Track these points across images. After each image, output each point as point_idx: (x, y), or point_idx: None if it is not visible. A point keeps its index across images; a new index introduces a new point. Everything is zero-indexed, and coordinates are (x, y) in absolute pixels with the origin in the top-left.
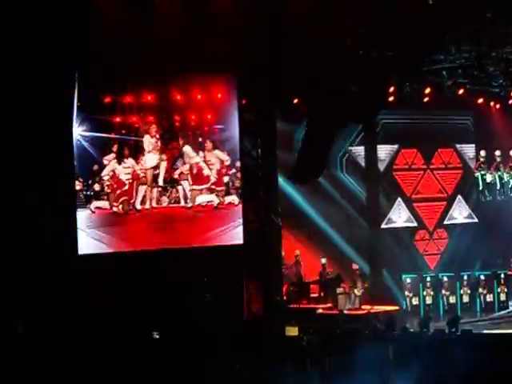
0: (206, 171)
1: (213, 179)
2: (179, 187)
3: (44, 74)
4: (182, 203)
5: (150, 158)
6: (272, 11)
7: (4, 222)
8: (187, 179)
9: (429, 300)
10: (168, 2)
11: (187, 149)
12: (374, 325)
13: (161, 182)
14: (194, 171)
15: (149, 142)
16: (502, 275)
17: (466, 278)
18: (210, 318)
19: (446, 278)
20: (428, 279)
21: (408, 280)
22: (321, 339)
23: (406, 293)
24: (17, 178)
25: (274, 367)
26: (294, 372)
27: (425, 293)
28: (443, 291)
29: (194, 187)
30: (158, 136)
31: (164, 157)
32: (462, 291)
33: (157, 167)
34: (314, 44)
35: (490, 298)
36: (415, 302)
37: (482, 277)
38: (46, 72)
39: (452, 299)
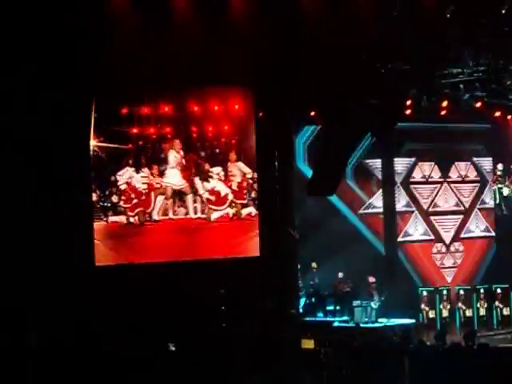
0: (223, 191)
1: (231, 197)
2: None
3: (62, 85)
4: (198, 215)
5: (173, 174)
6: (289, 24)
7: (21, 234)
8: (204, 201)
9: (445, 313)
10: (186, 13)
11: (197, 181)
12: (391, 338)
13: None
14: (212, 198)
15: (174, 157)
16: None
17: (482, 291)
18: (225, 330)
19: (462, 292)
20: (445, 292)
21: (424, 293)
22: (337, 352)
23: (423, 306)
24: (34, 190)
25: (290, 380)
26: None
27: (441, 306)
28: (459, 304)
29: (212, 207)
30: (182, 153)
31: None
32: (478, 304)
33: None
34: (331, 57)
35: (506, 311)
36: (432, 315)
37: (499, 290)
38: (64, 84)
39: (468, 312)
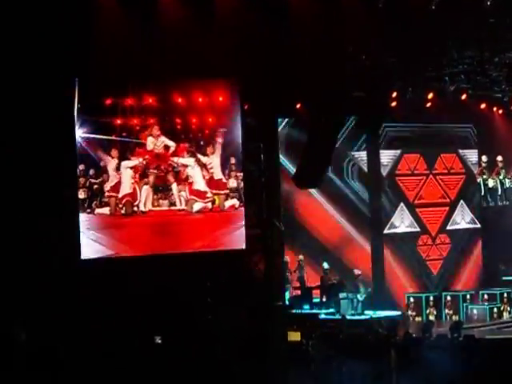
0: (202, 188)
1: (210, 194)
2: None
3: (45, 75)
4: (181, 206)
5: None
6: (275, 16)
7: (5, 227)
8: (185, 190)
9: (432, 318)
10: (171, 5)
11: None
12: (377, 330)
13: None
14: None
15: (151, 142)
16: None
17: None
18: (212, 322)
19: (449, 298)
20: (431, 298)
21: (411, 299)
22: (323, 344)
23: (410, 312)
24: (18, 182)
25: (276, 372)
26: (296, 377)
27: (428, 311)
28: (446, 310)
29: (192, 197)
30: (161, 138)
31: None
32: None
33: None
34: (317, 49)
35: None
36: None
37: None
38: (47, 74)
39: (455, 318)
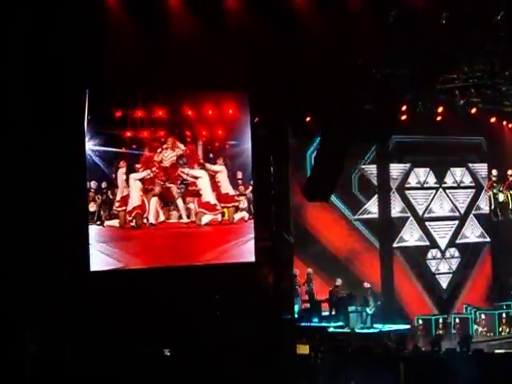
0: (212, 200)
1: (219, 208)
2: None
3: (56, 88)
4: (187, 219)
5: None
6: (285, 28)
7: (16, 238)
8: (194, 202)
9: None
10: (182, 17)
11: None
12: (386, 343)
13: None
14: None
15: (162, 155)
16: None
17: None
18: (221, 335)
19: (457, 320)
20: (440, 320)
21: (420, 321)
22: (332, 357)
23: (419, 333)
24: (28, 193)
25: None
26: None
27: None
28: (453, 331)
29: (201, 210)
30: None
31: None
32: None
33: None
34: (327, 61)
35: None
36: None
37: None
38: (58, 86)
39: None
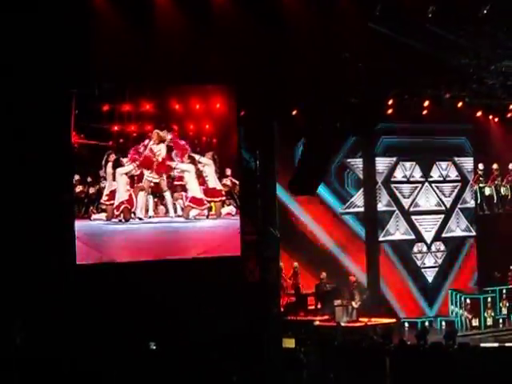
0: (199, 195)
1: (206, 202)
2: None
3: (43, 82)
4: (174, 214)
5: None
6: (271, 22)
7: (0, 232)
8: (182, 198)
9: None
10: (169, 11)
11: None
12: (371, 337)
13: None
14: (189, 195)
15: (150, 148)
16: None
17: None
18: (207, 329)
19: (443, 323)
20: (426, 323)
21: (406, 324)
22: (318, 351)
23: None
24: (15, 187)
25: (271, 378)
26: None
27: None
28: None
29: (189, 204)
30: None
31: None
32: None
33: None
34: (313, 55)
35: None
36: None
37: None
38: (45, 81)
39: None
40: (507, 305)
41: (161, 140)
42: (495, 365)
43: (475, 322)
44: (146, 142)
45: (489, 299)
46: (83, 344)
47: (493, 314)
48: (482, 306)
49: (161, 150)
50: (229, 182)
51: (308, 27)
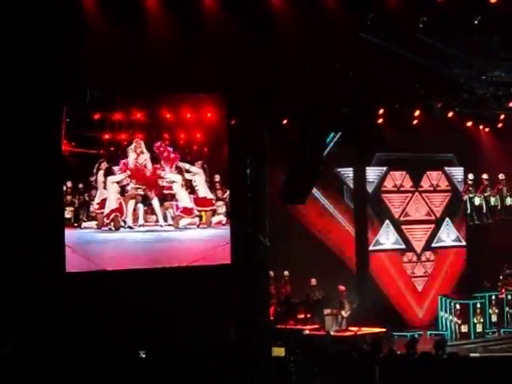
0: (189, 204)
1: (196, 212)
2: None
3: (33, 90)
4: (164, 222)
5: None
6: (262, 32)
7: None
8: (172, 208)
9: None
10: (160, 20)
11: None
12: (361, 346)
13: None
14: (180, 204)
15: (134, 158)
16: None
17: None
18: (197, 337)
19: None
20: (416, 336)
21: (396, 337)
22: (307, 360)
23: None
24: (4, 195)
25: None
26: None
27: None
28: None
29: (179, 214)
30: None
31: None
32: None
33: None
34: (304, 65)
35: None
36: None
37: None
38: (36, 88)
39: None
40: (496, 311)
41: (139, 150)
42: (484, 375)
43: (464, 329)
44: (133, 152)
45: (478, 305)
46: (73, 353)
47: (482, 320)
48: (471, 311)
49: (146, 160)
50: (220, 193)
51: (299, 36)
